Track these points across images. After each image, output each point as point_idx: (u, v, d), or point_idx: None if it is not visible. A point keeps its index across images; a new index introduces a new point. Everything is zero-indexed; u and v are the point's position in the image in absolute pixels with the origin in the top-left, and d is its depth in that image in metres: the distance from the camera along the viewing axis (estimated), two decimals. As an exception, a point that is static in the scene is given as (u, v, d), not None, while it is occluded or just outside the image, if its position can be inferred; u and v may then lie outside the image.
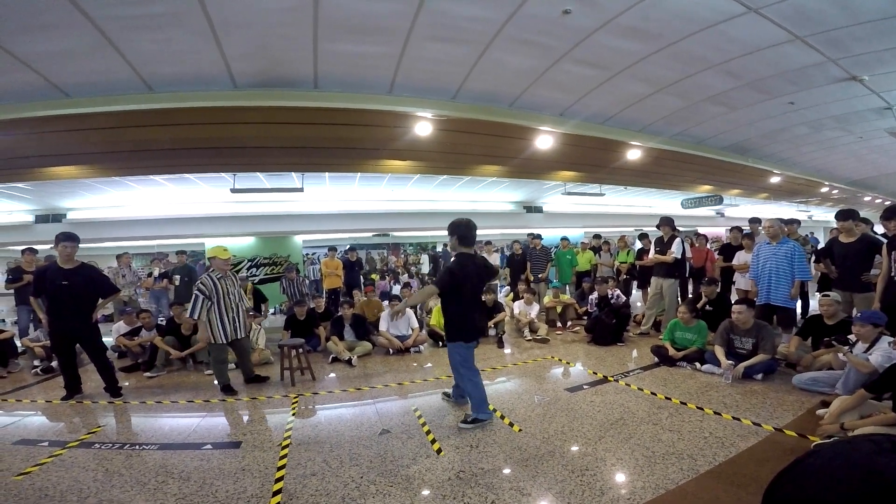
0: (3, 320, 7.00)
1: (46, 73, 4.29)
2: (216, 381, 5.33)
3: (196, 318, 5.04)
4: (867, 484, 0.72)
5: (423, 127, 5.79)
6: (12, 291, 7.35)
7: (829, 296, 4.84)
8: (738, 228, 7.86)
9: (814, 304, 7.08)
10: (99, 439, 3.91)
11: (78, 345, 5.17)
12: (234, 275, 5.46)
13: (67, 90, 4.63)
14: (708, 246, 8.87)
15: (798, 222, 7.40)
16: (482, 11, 3.92)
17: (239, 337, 5.31)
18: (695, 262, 8.27)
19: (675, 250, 6.83)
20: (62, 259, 4.93)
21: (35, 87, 4.46)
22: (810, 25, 4.33)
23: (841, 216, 5.27)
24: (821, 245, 8.32)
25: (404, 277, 15.35)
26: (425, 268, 17.23)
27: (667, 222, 7.07)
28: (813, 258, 6.70)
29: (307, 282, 10.18)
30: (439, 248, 20.03)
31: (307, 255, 16.54)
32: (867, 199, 16.65)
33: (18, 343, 6.77)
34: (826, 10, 4.09)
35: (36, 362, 6.32)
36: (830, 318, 4.77)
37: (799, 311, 7.34)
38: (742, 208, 16.44)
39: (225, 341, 5.18)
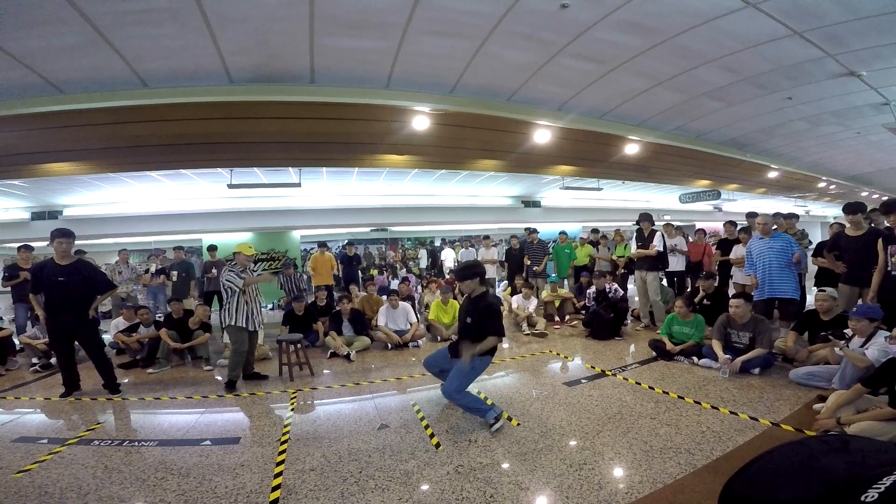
0: (1, 318, 6.97)
1: (40, 70, 4.25)
2: (228, 373, 5.27)
3: (243, 286, 5.24)
4: (815, 482, 0.74)
5: (421, 121, 5.77)
6: (9, 289, 7.32)
7: (825, 291, 4.85)
8: (732, 223, 7.90)
9: (810, 300, 7.12)
10: (98, 436, 3.91)
11: (76, 341, 5.15)
12: (251, 272, 5.57)
13: (61, 86, 4.59)
14: (706, 240, 8.91)
15: (796, 217, 7.42)
16: (480, 5, 3.90)
17: (255, 329, 5.45)
18: (692, 257, 8.30)
19: (657, 244, 7.01)
20: (58, 255, 4.91)
21: (28, 83, 4.42)
22: (809, 20, 4.32)
23: (849, 209, 5.20)
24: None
25: (402, 272, 15.35)
26: (423, 262, 17.22)
27: (646, 218, 7.28)
28: (811, 252, 6.71)
29: (305, 277, 10.14)
30: (437, 243, 20.03)
31: (305, 250, 16.51)
32: (864, 194, 16.69)
33: (16, 341, 6.75)
34: (824, 6, 4.08)
35: (35, 360, 6.30)
36: (825, 314, 4.78)
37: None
38: (740, 203, 16.48)
39: (248, 329, 5.31)
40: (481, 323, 3.92)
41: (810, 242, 7.73)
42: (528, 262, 9.49)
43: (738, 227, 7.69)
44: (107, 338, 6.83)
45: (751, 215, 7.77)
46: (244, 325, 5.26)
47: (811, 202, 18.70)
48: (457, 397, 3.86)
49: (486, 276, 9.36)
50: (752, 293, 5.71)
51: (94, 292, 5.15)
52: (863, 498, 0.77)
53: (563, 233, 10.19)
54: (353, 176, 9.48)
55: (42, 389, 5.39)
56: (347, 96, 5.22)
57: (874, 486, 0.78)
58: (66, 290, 4.85)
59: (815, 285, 6.17)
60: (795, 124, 7.96)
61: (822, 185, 14.11)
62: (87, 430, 4.04)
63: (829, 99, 6.68)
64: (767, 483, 0.79)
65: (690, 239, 9.06)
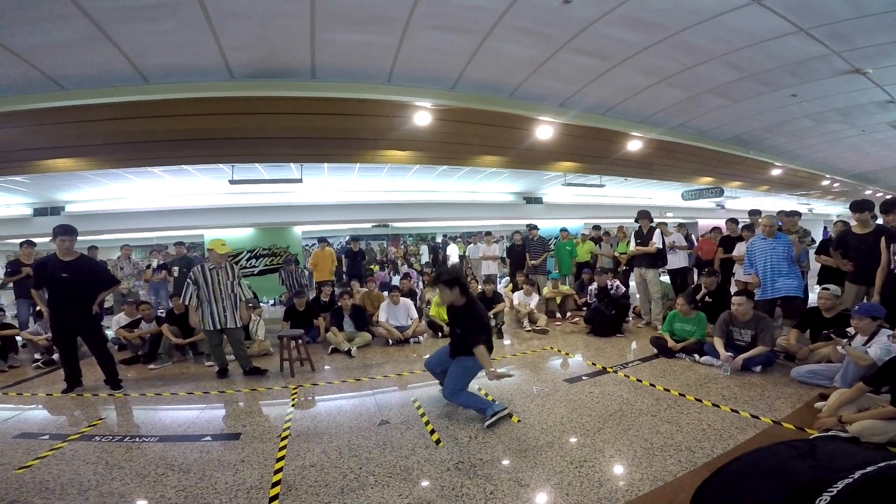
0: (3, 310, 6.98)
1: (41, 66, 4.24)
2: (216, 366, 5.52)
3: (186, 303, 5.38)
4: (779, 487, 0.75)
5: (423, 116, 5.76)
6: (11, 285, 7.34)
7: (828, 289, 4.82)
8: (734, 220, 7.88)
9: (813, 298, 7.10)
10: (99, 432, 3.92)
11: (79, 337, 5.15)
12: (230, 267, 5.51)
13: (63, 82, 4.58)
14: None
15: (799, 215, 7.39)
16: (482, 0, 3.88)
17: (228, 326, 5.37)
18: (704, 255, 8.30)
19: (657, 241, 7.01)
20: (61, 252, 4.91)
21: (30, 79, 4.41)
22: (814, 17, 4.28)
23: (856, 207, 5.13)
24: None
25: (404, 268, 15.35)
26: (424, 258, 17.23)
27: (645, 215, 7.28)
28: (814, 250, 6.68)
29: (306, 273, 10.14)
30: (439, 239, 20.02)
31: (306, 246, 16.51)
32: (868, 192, 16.61)
33: (18, 337, 6.76)
34: (830, 2, 4.05)
35: (37, 356, 6.32)
36: (828, 312, 4.76)
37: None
38: (742, 200, 16.43)
39: (212, 328, 5.32)
40: (468, 334, 3.85)
41: (812, 241, 7.69)
42: (530, 260, 9.49)
43: (741, 225, 7.66)
44: (108, 333, 6.85)
45: (754, 213, 7.75)
46: (201, 325, 5.37)
47: (814, 200, 18.63)
48: (454, 398, 3.91)
49: (490, 274, 9.48)
50: (755, 291, 5.69)
51: (98, 288, 5.15)
52: (816, 502, 0.79)
53: (564, 230, 10.18)
54: (354, 172, 9.47)
55: (44, 385, 5.41)
56: (349, 91, 5.21)
57: (828, 490, 0.81)
58: (69, 285, 4.86)
59: (817, 283, 6.15)
60: (800, 122, 7.91)
61: (825, 182, 14.05)
62: (89, 426, 4.05)
63: (833, 96, 6.63)
64: (735, 488, 0.81)
65: (693, 237, 9.05)
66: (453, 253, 14.71)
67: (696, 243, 9.24)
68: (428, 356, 4.57)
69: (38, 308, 6.06)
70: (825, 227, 21.56)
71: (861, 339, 3.95)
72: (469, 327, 3.87)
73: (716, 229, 9.16)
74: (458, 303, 3.94)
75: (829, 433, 3.14)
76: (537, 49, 4.81)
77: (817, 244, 6.71)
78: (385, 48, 4.58)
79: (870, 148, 10.33)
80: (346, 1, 3.77)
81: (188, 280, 5.33)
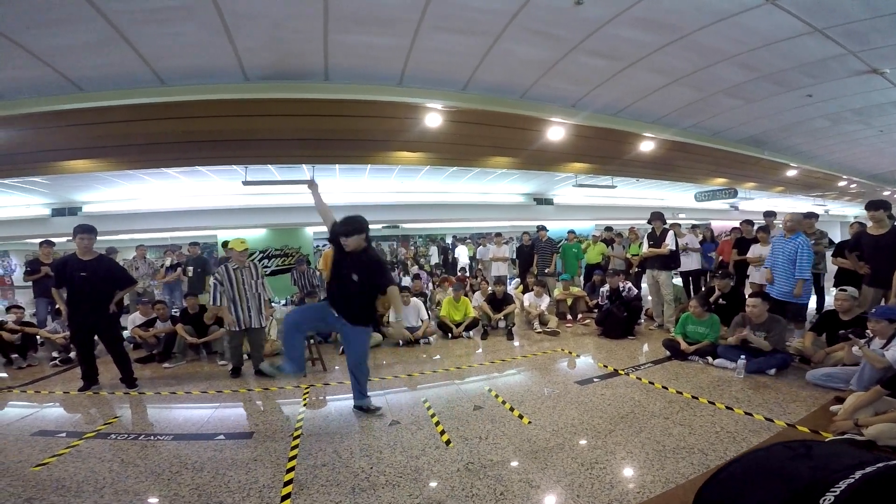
0: (23, 308, 7.10)
1: (59, 68, 4.34)
2: (229, 365, 5.61)
3: (216, 304, 5.46)
4: (779, 488, 0.75)
5: (433, 118, 5.78)
6: (31, 284, 7.47)
7: (845, 290, 4.75)
8: (749, 221, 7.79)
9: (829, 300, 6.99)
10: (115, 430, 3.97)
11: (96, 335, 5.21)
12: (253, 266, 5.55)
13: (80, 84, 4.68)
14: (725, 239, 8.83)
15: (816, 216, 7.28)
16: (492, 2, 3.89)
17: (253, 326, 5.43)
18: (725, 257, 8.23)
19: (670, 242, 6.93)
20: (81, 251, 4.98)
21: (48, 81, 4.51)
22: (829, 17, 4.24)
23: (872, 206, 5.04)
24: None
25: (414, 269, 15.38)
26: (434, 259, 17.25)
27: (658, 217, 7.19)
28: (832, 252, 6.58)
29: (318, 273, 10.21)
30: (449, 240, 20.02)
31: (318, 246, 16.62)
32: (886, 193, 16.33)
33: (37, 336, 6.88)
34: (845, 3, 4.01)
35: (55, 354, 6.42)
36: (845, 314, 4.69)
37: (814, 306, 7.25)
38: (757, 202, 16.24)
39: (238, 328, 5.36)
40: (371, 279, 3.81)
41: (831, 243, 7.58)
42: (537, 263, 9.47)
43: (756, 227, 7.58)
44: (124, 333, 6.94)
45: (768, 214, 7.66)
46: (232, 327, 5.38)
47: (831, 201, 18.35)
48: (359, 369, 4.08)
49: (501, 275, 9.48)
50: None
51: (116, 287, 5.23)
52: (821, 502, 0.79)
53: (571, 232, 10.16)
54: (365, 173, 9.53)
55: (61, 383, 5.50)
56: (361, 93, 5.25)
57: (830, 490, 0.81)
58: (88, 285, 4.93)
59: (834, 286, 6.06)
60: (815, 122, 7.81)
61: (842, 183, 13.84)
62: (105, 424, 4.10)
63: (850, 96, 6.55)
64: (735, 489, 0.81)
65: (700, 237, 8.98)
66: (462, 254, 14.66)
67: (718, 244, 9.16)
68: (290, 312, 4.29)
69: (56, 306, 6.16)
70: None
71: (879, 343, 3.88)
72: (377, 271, 3.84)
73: (735, 230, 9.08)
74: (360, 248, 3.82)
75: (845, 437, 3.10)
76: (549, 50, 4.81)
77: (835, 246, 6.61)
78: (397, 50, 4.62)
79: (889, 148, 10.17)
80: (358, 3, 3.81)
81: (214, 281, 5.36)
